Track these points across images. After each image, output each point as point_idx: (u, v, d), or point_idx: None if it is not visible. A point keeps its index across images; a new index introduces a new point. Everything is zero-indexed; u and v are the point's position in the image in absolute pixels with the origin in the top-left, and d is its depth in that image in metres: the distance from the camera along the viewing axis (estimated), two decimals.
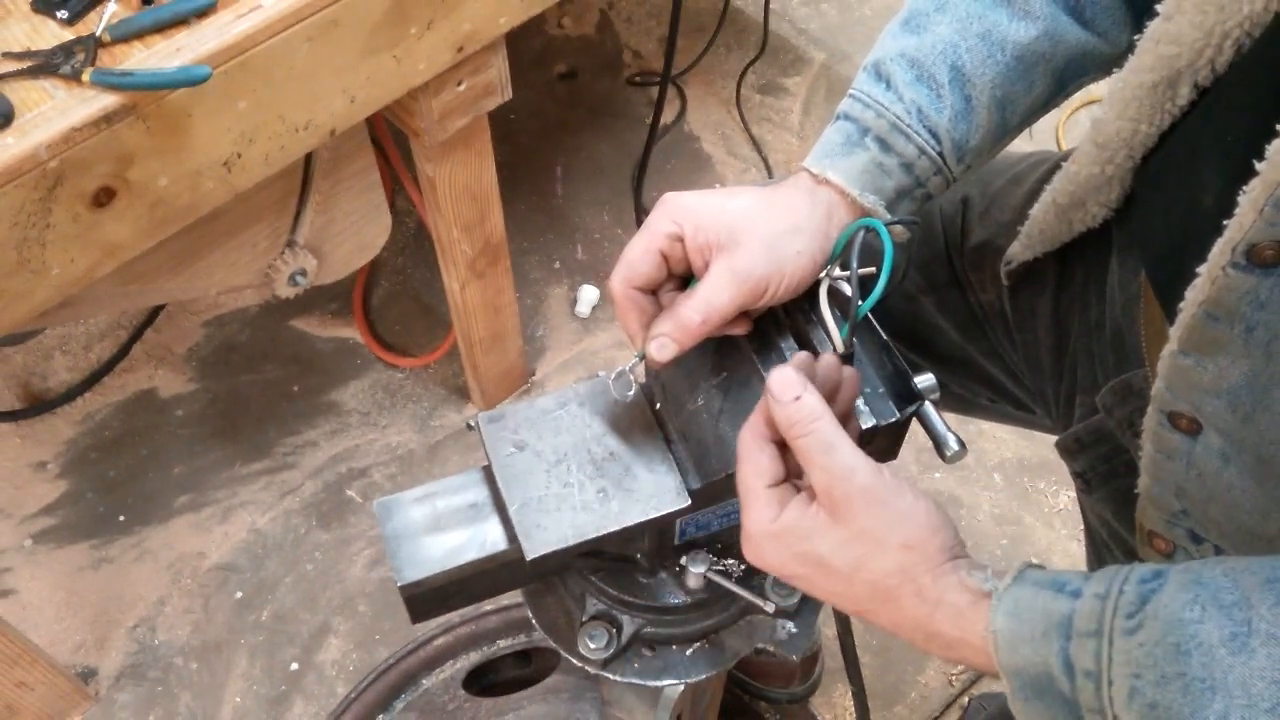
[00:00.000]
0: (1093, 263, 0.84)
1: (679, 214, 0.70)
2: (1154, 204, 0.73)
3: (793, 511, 0.60)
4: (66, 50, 0.95)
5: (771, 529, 0.61)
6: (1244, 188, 0.53)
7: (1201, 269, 0.57)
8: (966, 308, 0.95)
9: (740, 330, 0.73)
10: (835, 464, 0.59)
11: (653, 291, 0.73)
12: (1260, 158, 0.52)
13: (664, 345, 0.69)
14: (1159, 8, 0.64)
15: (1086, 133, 0.74)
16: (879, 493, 0.58)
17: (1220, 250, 0.55)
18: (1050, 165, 0.92)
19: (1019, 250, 0.85)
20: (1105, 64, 0.77)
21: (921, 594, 0.58)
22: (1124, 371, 0.76)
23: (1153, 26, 0.64)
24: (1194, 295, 0.58)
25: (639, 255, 0.71)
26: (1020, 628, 0.55)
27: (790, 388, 0.60)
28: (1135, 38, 0.68)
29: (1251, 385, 0.58)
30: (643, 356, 0.71)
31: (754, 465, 0.62)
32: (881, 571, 0.59)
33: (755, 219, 0.70)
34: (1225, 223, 0.55)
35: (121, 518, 1.71)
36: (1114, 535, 0.82)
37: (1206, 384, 0.60)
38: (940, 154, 0.74)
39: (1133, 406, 0.74)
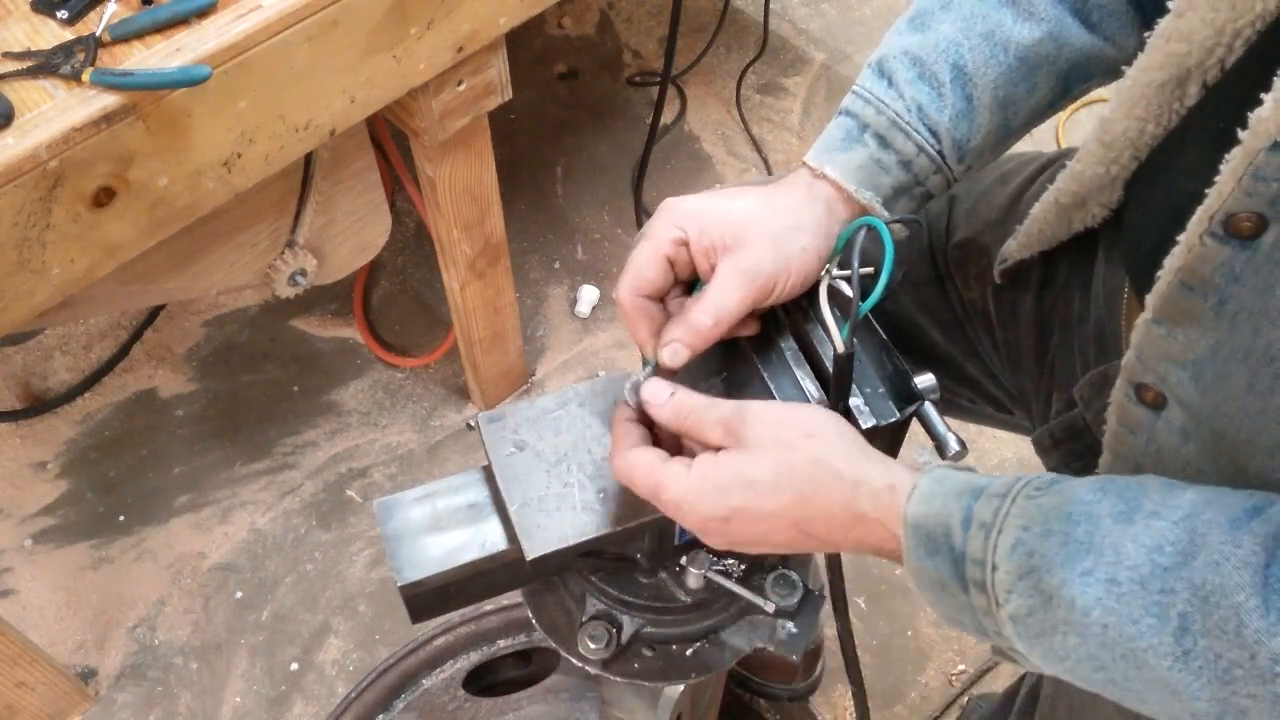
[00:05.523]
0: (1077, 260, 0.83)
1: (682, 218, 0.70)
2: (1140, 193, 0.73)
3: (703, 460, 0.64)
4: (66, 50, 0.95)
5: (693, 481, 0.64)
6: (1226, 156, 0.53)
7: (1181, 237, 0.57)
8: (948, 306, 0.95)
9: (749, 331, 0.73)
10: (724, 410, 0.65)
11: (660, 299, 0.72)
12: (1244, 127, 0.52)
13: (677, 351, 0.69)
14: (1170, 4, 0.63)
15: (1092, 131, 0.73)
16: (769, 409, 0.65)
17: (1199, 219, 0.56)
18: (1039, 165, 0.92)
19: (1015, 249, 0.84)
20: (1111, 68, 0.76)
21: (840, 475, 0.61)
22: (1103, 363, 0.76)
23: (1163, 23, 0.63)
24: (1171, 263, 0.58)
25: (645, 262, 0.70)
26: (937, 488, 0.60)
27: (661, 391, 0.68)
28: (1146, 35, 0.66)
29: (1214, 358, 0.58)
30: (654, 365, 0.70)
31: (646, 459, 0.66)
32: (800, 464, 0.62)
33: (759, 218, 0.69)
34: (1206, 192, 0.55)
35: (121, 518, 1.71)
36: None
37: (1175, 354, 0.60)
38: (940, 153, 0.74)
39: (1108, 397, 0.74)
